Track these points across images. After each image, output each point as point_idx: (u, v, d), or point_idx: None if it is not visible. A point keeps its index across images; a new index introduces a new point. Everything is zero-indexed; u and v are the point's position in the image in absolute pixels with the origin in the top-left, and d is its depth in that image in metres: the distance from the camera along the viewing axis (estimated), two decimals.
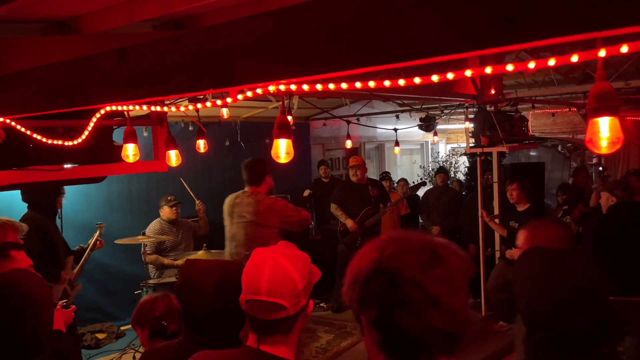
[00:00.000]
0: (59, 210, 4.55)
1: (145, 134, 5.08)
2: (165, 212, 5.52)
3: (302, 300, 1.39)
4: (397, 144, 7.01)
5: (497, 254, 5.89)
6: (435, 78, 1.33)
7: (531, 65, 1.21)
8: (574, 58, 1.14)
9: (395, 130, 7.06)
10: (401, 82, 1.41)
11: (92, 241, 4.58)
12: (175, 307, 2.33)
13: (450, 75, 1.30)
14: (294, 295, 1.36)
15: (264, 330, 1.39)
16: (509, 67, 1.25)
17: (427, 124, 7.29)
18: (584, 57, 1.14)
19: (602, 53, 1.12)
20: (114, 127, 3.79)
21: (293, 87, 1.70)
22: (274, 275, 1.36)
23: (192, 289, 1.75)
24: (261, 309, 1.37)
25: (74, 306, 2.44)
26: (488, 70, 1.28)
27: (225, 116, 4.38)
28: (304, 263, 1.42)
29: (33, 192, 4.30)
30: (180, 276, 1.85)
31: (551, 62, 1.18)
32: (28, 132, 2.98)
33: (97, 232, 4.63)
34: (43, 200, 4.33)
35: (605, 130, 1.16)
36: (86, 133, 2.98)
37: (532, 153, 9.36)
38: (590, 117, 1.17)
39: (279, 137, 1.95)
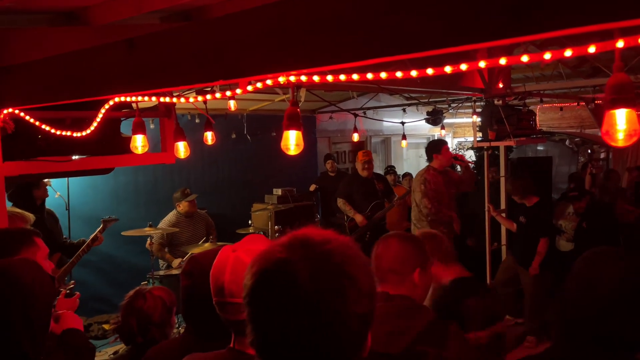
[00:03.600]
0: (42, 203, 4.32)
1: (152, 126, 5.08)
2: (184, 206, 5.50)
3: None
4: (404, 137, 6.96)
5: (504, 248, 5.87)
6: (448, 69, 1.31)
7: (547, 56, 1.19)
8: (591, 49, 1.12)
9: (402, 123, 7.01)
10: (414, 73, 1.39)
11: (92, 236, 4.18)
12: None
13: (463, 67, 1.28)
14: None
15: (237, 330, 1.35)
16: (524, 58, 1.23)
17: (434, 118, 7.24)
18: (601, 48, 1.12)
19: (620, 44, 1.09)
20: (122, 118, 3.79)
21: (303, 78, 1.68)
22: (235, 274, 1.29)
23: (204, 287, 1.68)
24: (227, 310, 1.32)
25: (77, 293, 2.45)
26: (502, 61, 1.26)
27: (233, 109, 4.35)
28: None
29: (12, 188, 4.05)
30: (185, 276, 1.70)
31: (568, 52, 1.15)
32: (37, 123, 2.98)
33: (99, 227, 4.20)
34: (20, 197, 4.10)
35: (622, 123, 1.14)
36: (94, 124, 2.98)
37: (540, 147, 9.30)
38: (607, 109, 1.15)
39: (288, 128, 1.91)
